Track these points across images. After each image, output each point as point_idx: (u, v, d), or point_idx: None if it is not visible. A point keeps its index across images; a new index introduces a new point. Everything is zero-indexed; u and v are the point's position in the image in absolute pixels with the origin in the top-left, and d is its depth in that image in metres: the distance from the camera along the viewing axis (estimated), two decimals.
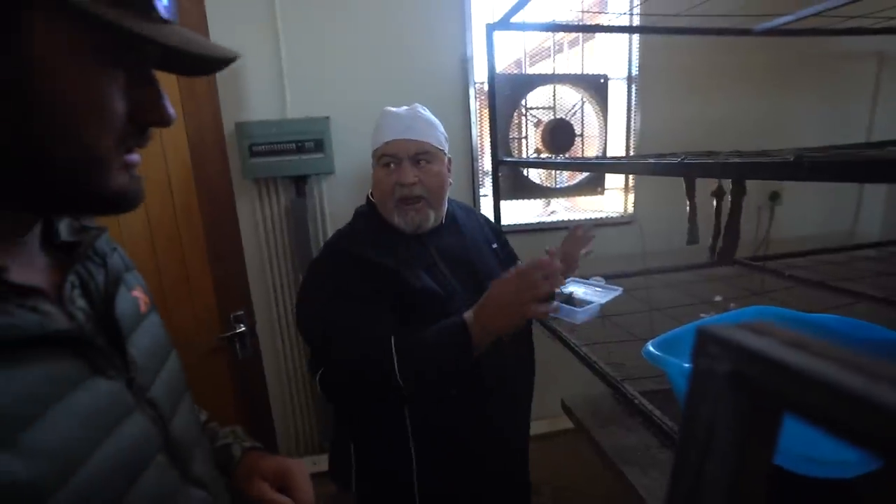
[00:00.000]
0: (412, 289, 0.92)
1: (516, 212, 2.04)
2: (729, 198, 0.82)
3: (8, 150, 0.33)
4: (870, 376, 0.16)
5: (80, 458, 0.33)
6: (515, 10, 1.36)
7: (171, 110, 0.40)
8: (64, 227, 0.45)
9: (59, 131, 0.34)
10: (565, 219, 2.00)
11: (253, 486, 0.53)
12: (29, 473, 0.30)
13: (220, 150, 1.37)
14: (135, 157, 0.40)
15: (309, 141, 1.58)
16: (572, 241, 1.23)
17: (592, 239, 1.24)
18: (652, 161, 0.74)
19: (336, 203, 1.73)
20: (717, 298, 1.36)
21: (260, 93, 1.60)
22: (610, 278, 1.46)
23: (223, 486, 0.52)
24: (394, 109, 1.04)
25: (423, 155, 0.99)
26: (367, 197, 1.09)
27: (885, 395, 0.15)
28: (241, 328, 1.44)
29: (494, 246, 1.16)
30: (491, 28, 1.48)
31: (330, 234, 1.72)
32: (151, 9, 0.36)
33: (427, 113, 1.06)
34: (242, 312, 1.45)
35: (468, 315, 0.85)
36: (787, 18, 1.59)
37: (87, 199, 0.38)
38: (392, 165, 0.98)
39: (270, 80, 1.60)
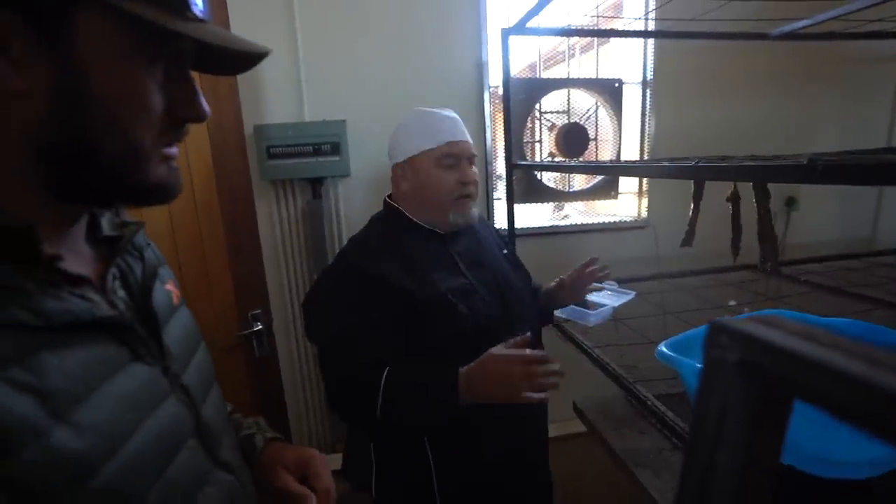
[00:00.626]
0: (427, 300, 0.93)
1: (530, 215, 2.04)
2: (753, 202, 0.81)
3: (57, 145, 0.35)
4: (873, 363, 0.17)
5: (125, 435, 0.36)
6: (531, 15, 1.37)
7: (206, 107, 0.42)
8: (106, 222, 0.47)
9: (104, 126, 0.36)
10: (579, 222, 2.00)
11: (276, 476, 0.55)
12: (82, 446, 0.32)
13: (241, 151, 1.41)
14: (173, 150, 0.42)
15: (325, 144, 1.61)
16: (582, 276, 1.17)
17: (604, 274, 1.18)
18: (665, 164, 0.74)
19: (351, 205, 1.75)
20: (732, 303, 1.35)
21: (279, 96, 1.63)
22: (623, 282, 1.46)
23: (248, 473, 0.54)
24: (443, 112, 1.07)
25: (473, 156, 1.06)
26: (386, 200, 1.10)
27: (887, 379, 0.16)
28: (258, 326, 1.46)
29: (505, 252, 1.18)
30: (506, 32, 1.50)
31: (345, 235, 1.75)
32: (186, 8, 0.38)
33: None
34: (260, 311, 1.48)
35: (462, 373, 0.85)
36: (805, 22, 1.58)
37: (130, 191, 0.40)
38: (452, 165, 1.02)
39: (289, 83, 1.63)
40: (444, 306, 0.93)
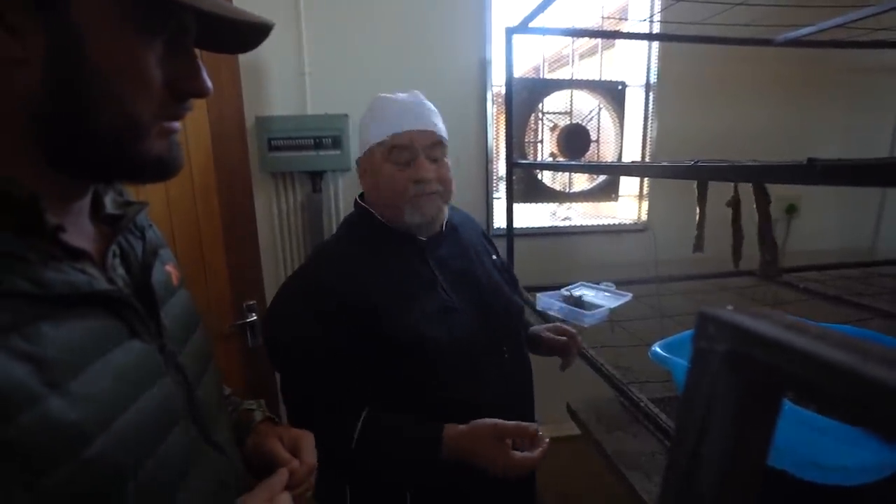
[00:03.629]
0: (395, 331, 0.81)
1: (530, 215, 2.04)
2: (752, 206, 0.81)
3: (55, 115, 0.35)
4: (862, 354, 0.17)
5: (118, 409, 0.36)
6: (535, 13, 1.37)
7: (209, 82, 0.41)
8: (109, 201, 0.48)
9: (101, 97, 0.36)
10: (579, 224, 2.00)
11: (268, 442, 0.57)
12: (77, 415, 0.32)
13: (241, 141, 1.41)
14: (174, 125, 0.41)
15: (327, 137, 1.60)
16: (564, 342, 1.05)
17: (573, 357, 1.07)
18: (665, 164, 0.74)
19: (351, 199, 1.74)
20: (729, 307, 1.34)
21: (282, 88, 1.63)
22: (621, 285, 1.46)
23: (238, 455, 0.55)
24: (392, 95, 0.91)
25: (437, 147, 0.89)
26: (357, 201, 0.98)
27: (873, 370, 0.16)
28: (252, 317, 1.46)
29: (495, 257, 1.06)
30: (510, 31, 1.50)
31: None
32: None
33: (426, 100, 0.94)
34: (255, 302, 1.48)
35: (447, 434, 0.76)
36: (810, 30, 1.57)
37: (128, 164, 0.39)
38: (407, 160, 0.86)
39: (292, 76, 1.63)
40: (414, 339, 0.81)
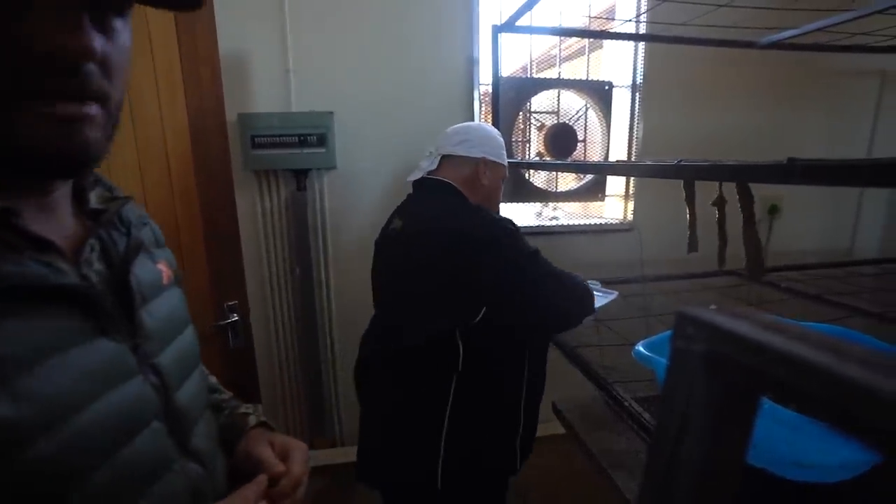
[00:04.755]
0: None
1: (517, 215, 2.04)
2: (737, 206, 0.81)
3: None
4: (840, 355, 0.16)
5: (70, 408, 0.34)
6: (521, 12, 1.37)
7: (85, 36, 0.32)
8: (94, 196, 0.46)
9: None
10: (566, 223, 2.00)
11: (257, 448, 0.55)
12: (13, 414, 0.30)
13: (222, 138, 1.38)
14: (68, 107, 0.34)
15: (312, 135, 1.58)
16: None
17: None
18: (649, 163, 0.74)
19: (336, 197, 1.73)
20: (712, 307, 1.35)
21: (265, 85, 1.61)
22: (607, 284, 1.46)
23: (221, 464, 0.52)
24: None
25: None
26: (451, 184, 1.08)
27: (851, 371, 0.15)
28: (234, 318, 1.43)
29: None
30: (497, 30, 1.49)
31: (329, 228, 1.73)
32: None
33: None
34: (236, 302, 1.45)
35: None
36: (792, 32, 1.59)
37: (3, 156, 0.33)
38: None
39: (276, 73, 1.60)
40: None
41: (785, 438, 0.44)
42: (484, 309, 0.95)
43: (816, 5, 1.42)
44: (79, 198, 0.44)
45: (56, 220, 0.40)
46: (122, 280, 0.43)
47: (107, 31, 0.36)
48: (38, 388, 0.32)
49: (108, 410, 0.36)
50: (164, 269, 0.50)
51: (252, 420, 0.60)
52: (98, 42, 0.33)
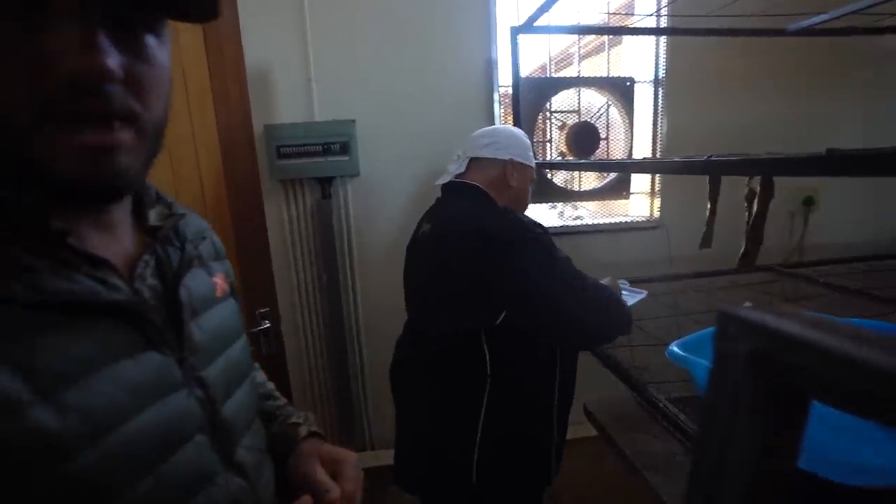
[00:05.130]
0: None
1: (540, 215, 2.02)
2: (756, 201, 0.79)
3: None
4: (889, 352, 0.16)
5: (115, 421, 0.34)
6: (540, 13, 1.36)
7: (100, 55, 0.31)
8: (154, 213, 0.47)
9: None
10: (590, 222, 1.98)
11: (308, 464, 0.54)
12: (59, 426, 0.31)
13: (251, 150, 1.42)
14: (96, 137, 0.33)
15: (335, 143, 1.61)
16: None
17: None
18: (677, 160, 0.72)
19: (360, 204, 1.76)
20: (747, 304, 1.31)
21: (289, 96, 1.64)
22: (635, 282, 1.43)
23: (268, 476, 0.52)
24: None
25: None
26: (479, 186, 1.08)
27: None
28: (266, 324, 1.46)
29: None
30: (515, 31, 1.49)
31: (354, 234, 1.75)
32: None
33: None
34: (268, 309, 1.48)
35: None
36: (823, 17, 1.54)
37: (40, 185, 0.34)
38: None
39: (299, 84, 1.64)
40: None
41: (836, 439, 0.42)
42: (504, 313, 0.94)
43: None
44: (139, 214, 0.45)
45: (114, 238, 0.41)
46: (173, 294, 0.43)
47: (135, 48, 0.35)
48: (83, 401, 0.33)
49: (151, 423, 0.37)
50: (219, 282, 0.51)
51: (303, 431, 0.59)
52: (117, 60, 0.33)
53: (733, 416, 0.21)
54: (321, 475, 0.52)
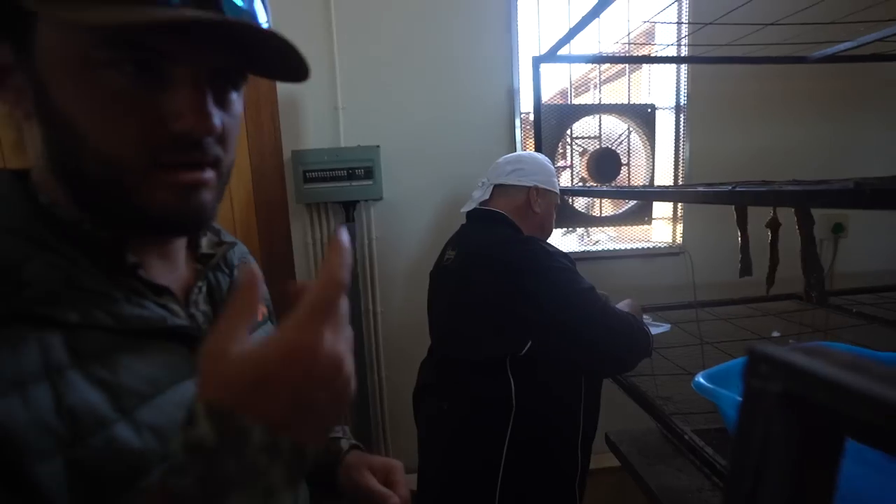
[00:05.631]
0: None
1: (556, 240, 2.02)
2: (796, 228, 0.78)
3: (57, 167, 0.36)
4: None
5: None
6: (561, 43, 1.39)
7: (209, 118, 0.36)
8: (205, 242, 0.50)
9: (75, 143, 0.34)
10: (609, 248, 1.97)
11: (362, 476, 0.55)
12: (139, 444, 0.34)
13: (279, 176, 1.46)
14: (186, 175, 0.37)
15: (359, 168, 1.65)
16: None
17: None
18: (702, 189, 0.72)
19: (383, 228, 1.78)
20: (775, 334, 1.28)
21: (317, 123, 1.70)
22: (657, 310, 1.41)
23: (305, 493, 0.53)
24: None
25: None
26: (504, 214, 1.11)
27: None
28: None
29: None
30: (537, 60, 1.52)
31: (376, 257, 1.77)
32: None
33: None
34: None
35: None
36: (848, 45, 1.53)
37: (134, 217, 0.37)
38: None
39: (327, 110, 1.69)
40: None
41: (874, 482, 0.41)
42: (530, 343, 0.94)
43: (868, 17, 1.37)
44: (191, 243, 0.49)
45: (172, 266, 0.45)
46: None
47: (225, 104, 0.39)
48: (155, 420, 0.35)
49: None
50: (260, 307, 0.53)
51: (344, 444, 0.61)
52: (219, 119, 0.37)
53: (764, 455, 0.21)
54: (376, 485, 0.54)
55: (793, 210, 0.69)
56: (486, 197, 1.12)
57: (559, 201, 1.18)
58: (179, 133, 0.35)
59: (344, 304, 0.32)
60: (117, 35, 0.32)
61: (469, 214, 1.14)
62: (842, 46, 1.55)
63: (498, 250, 0.97)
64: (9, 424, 0.29)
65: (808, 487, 0.20)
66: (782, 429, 0.21)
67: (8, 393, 0.29)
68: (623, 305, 1.14)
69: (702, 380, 0.63)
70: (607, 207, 1.98)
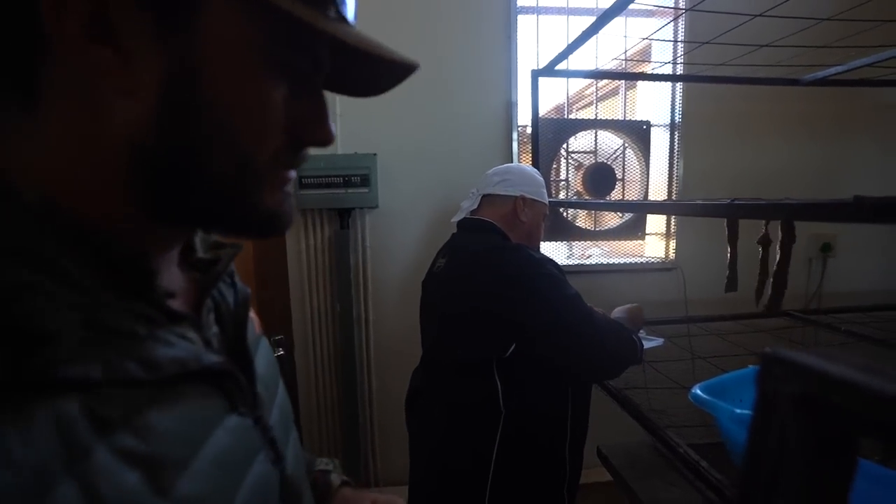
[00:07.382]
0: None
1: (551, 253, 2.03)
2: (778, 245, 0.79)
3: (160, 155, 0.29)
4: None
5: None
6: (560, 58, 1.41)
7: (333, 130, 0.35)
8: (199, 243, 0.40)
9: (215, 136, 0.30)
10: (602, 262, 1.98)
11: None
12: None
13: None
14: (291, 174, 0.35)
15: (355, 176, 1.65)
16: None
17: None
18: (698, 202, 0.73)
19: (378, 236, 1.78)
20: (767, 349, 1.29)
21: None
22: (650, 325, 1.42)
23: None
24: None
25: None
26: (492, 223, 1.11)
27: None
28: (280, 352, 1.47)
29: None
30: (536, 74, 1.54)
31: (370, 265, 1.77)
32: (329, 4, 0.31)
33: None
34: (283, 336, 1.49)
35: None
36: (839, 69, 1.57)
37: (240, 216, 0.33)
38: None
39: None
40: None
41: (883, 497, 0.41)
42: (514, 345, 0.95)
43: (860, 42, 1.40)
44: (183, 247, 0.40)
45: (170, 275, 0.36)
46: (236, 342, 0.38)
47: None
48: (196, 490, 0.28)
49: (249, 499, 0.32)
50: (254, 318, 0.45)
51: (334, 479, 0.55)
52: None
53: (778, 458, 0.21)
54: None
55: (780, 228, 0.70)
56: (475, 206, 1.13)
57: (548, 212, 1.18)
58: (319, 140, 0.35)
59: None
60: (301, 37, 0.31)
61: (459, 224, 1.15)
62: (832, 70, 1.59)
63: (485, 256, 0.98)
64: None
65: (824, 489, 0.20)
66: (797, 432, 0.20)
67: None
68: (621, 311, 1.15)
69: (699, 392, 0.63)
70: (602, 222, 2.00)
